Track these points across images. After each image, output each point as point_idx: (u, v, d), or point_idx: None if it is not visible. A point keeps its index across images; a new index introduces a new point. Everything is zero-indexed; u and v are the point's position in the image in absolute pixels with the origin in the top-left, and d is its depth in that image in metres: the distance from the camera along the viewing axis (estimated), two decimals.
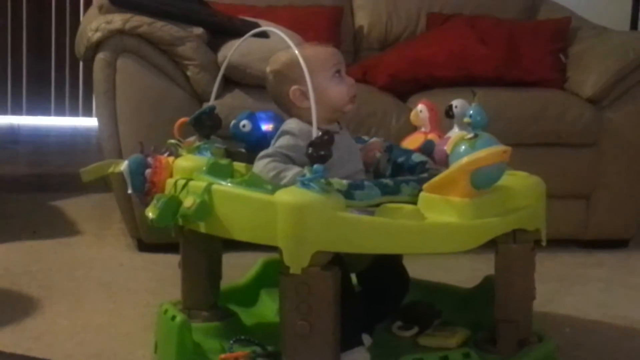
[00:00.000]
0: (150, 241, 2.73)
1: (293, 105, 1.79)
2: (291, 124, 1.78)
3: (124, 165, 1.79)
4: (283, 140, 1.74)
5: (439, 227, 1.59)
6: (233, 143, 1.94)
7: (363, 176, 1.81)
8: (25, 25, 5.43)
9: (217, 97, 2.24)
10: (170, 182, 1.74)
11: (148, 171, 1.77)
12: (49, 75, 5.53)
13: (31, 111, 5.53)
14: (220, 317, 1.85)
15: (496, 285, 1.75)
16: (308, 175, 1.51)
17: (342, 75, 1.81)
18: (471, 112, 1.81)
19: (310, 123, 1.59)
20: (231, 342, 1.74)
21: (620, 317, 2.28)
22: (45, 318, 2.13)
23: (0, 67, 5.44)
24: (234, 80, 2.71)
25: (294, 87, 1.77)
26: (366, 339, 1.74)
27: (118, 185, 2.63)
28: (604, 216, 3.00)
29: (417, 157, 1.86)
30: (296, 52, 1.61)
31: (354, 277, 1.90)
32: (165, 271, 2.47)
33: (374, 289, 1.87)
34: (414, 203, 1.62)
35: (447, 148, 1.73)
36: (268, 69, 1.85)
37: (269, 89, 1.86)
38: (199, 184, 1.65)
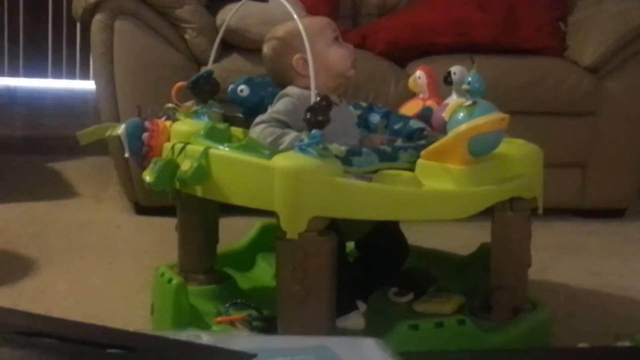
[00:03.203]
0: (147, 204, 2.74)
1: (296, 75, 1.78)
2: (292, 88, 1.77)
3: (121, 129, 1.78)
4: (280, 105, 1.73)
5: (436, 194, 1.59)
6: (231, 107, 1.94)
7: None
8: None
9: (215, 61, 2.24)
10: (167, 146, 1.74)
11: (145, 135, 1.77)
12: (46, 37, 5.49)
13: (28, 73, 5.50)
14: (217, 280, 1.86)
15: (492, 253, 1.76)
16: (306, 140, 1.51)
17: (341, 41, 1.82)
18: (469, 79, 1.80)
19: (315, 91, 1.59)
20: (227, 305, 1.75)
21: (614, 285, 2.29)
22: (42, 279, 2.14)
23: None
24: (232, 44, 2.70)
25: (297, 56, 1.76)
26: (361, 305, 1.75)
27: (115, 148, 2.63)
28: (601, 185, 3.00)
29: (415, 124, 1.86)
30: (295, 16, 1.60)
31: (351, 245, 1.91)
32: (162, 234, 2.47)
33: (373, 256, 1.87)
34: (412, 170, 1.62)
35: (445, 115, 1.73)
36: (266, 46, 1.84)
37: (268, 63, 1.85)
38: (197, 148, 1.65)
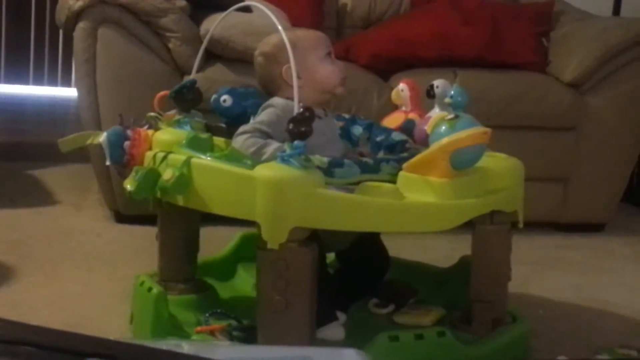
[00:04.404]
0: (128, 213, 2.73)
1: (284, 84, 1.78)
2: (277, 99, 1.77)
3: (102, 137, 1.78)
4: (264, 115, 1.73)
5: (417, 207, 1.60)
6: (213, 117, 1.94)
7: None
8: None
9: (199, 70, 2.24)
10: (149, 154, 1.74)
11: (127, 143, 1.76)
12: (28, 43, 5.47)
13: (9, 79, 5.48)
14: (197, 290, 1.86)
15: (472, 266, 1.76)
16: (288, 151, 1.51)
17: (333, 58, 1.82)
18: (452, 92, 1.81)
19: (299, 103, 1.59)
20: (207, 315, 1.74)
21: (594, 299, 2.30)
22: (21, 287, 2.13)
23: None
24: (216, 53, 2.69)
25: (287, 66, 1.76)
26: (341, 315, 1.75)
27: (96, 156, 2.62)
28: (581, 200, 3.02)
29: (397, 136, 1.86)
30: (279, 27, 1.61)
31: (331, 256, 1.91)
32: (142, 243, 2.46)
33: (354, 268, 1.88)
34: (394, 182, 1.62)
35: (428, 128, 1.74)
36: (258, 52, 1.85)
37: (258, 71, 1.85)
38: (179, 157, 1.65)
